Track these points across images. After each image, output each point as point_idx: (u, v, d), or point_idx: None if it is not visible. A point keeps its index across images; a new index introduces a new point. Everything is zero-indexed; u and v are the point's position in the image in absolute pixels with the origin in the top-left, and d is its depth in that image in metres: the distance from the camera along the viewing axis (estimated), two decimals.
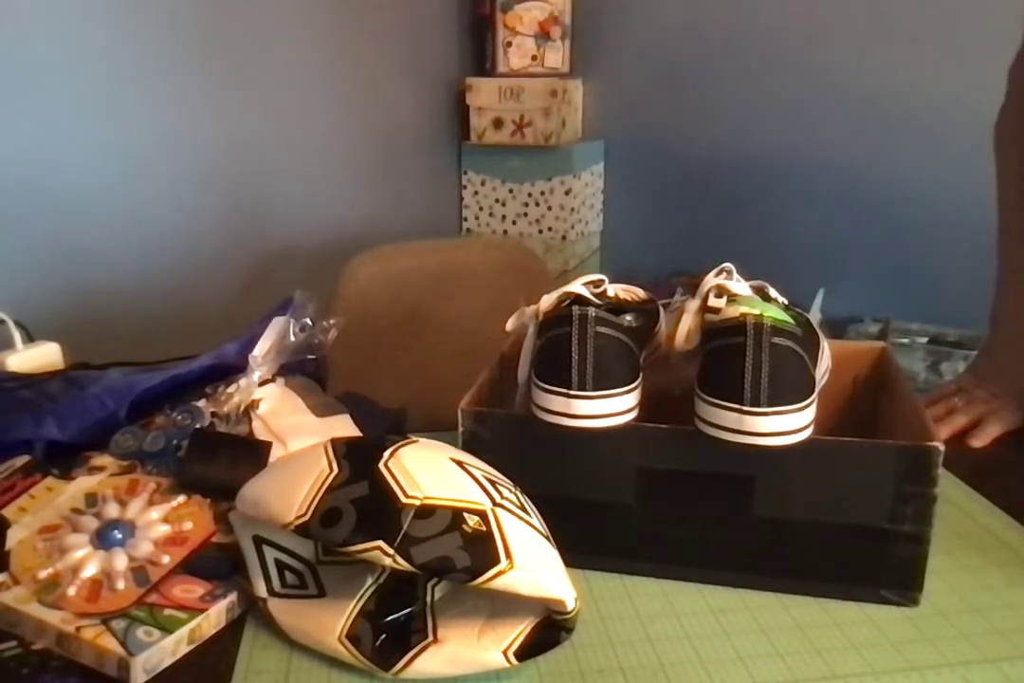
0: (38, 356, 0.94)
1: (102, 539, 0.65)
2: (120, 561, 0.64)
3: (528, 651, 0.58)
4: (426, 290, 1.54)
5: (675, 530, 0.69)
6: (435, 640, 0.59)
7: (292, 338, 0.81)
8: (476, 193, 2.57)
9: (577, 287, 0.70)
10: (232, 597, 0.64)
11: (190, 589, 0.64)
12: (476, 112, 2.47)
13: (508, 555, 0.54)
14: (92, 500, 0.70)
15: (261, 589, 0.64)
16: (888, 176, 2.25)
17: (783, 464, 0.64)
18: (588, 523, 0.70)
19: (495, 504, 0.57)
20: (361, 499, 0.56)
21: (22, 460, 0.76)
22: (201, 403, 0.78)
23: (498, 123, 2.46)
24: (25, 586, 0.63)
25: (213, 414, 0.77)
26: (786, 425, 0.60)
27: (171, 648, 0.59)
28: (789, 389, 0.60)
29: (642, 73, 2.51)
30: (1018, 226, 1.00)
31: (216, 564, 0.66)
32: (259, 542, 0.63)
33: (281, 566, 0.64)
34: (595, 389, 0.63)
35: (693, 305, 0.68)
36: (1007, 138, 1.02)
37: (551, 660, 0.60)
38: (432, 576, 0.62)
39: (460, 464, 0.60)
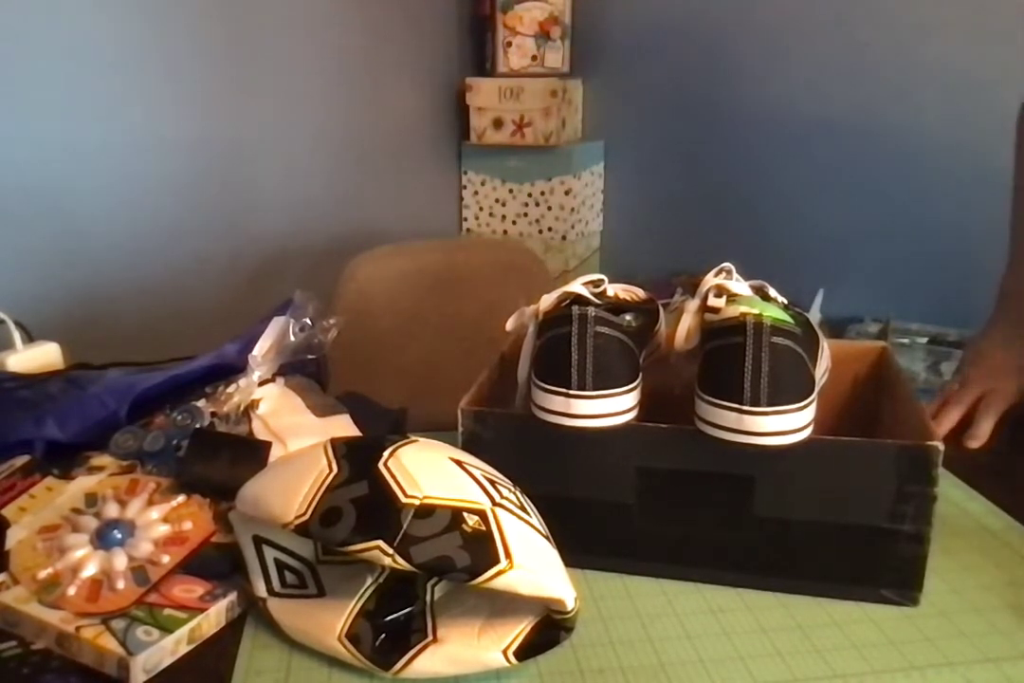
0: (38, 356, 0.94)
1: (102, 539, 0.66)
2: (120, 561, 0.64)
3: (528, 651, 0.58)
4: (426, 290, 1.54)
5: (675, 530, 0.69)
6: (435, 640, 0.59)
7: (292, 338, 0.81)
8: (476, 193, 2.57)
9: (577, 287, 0.70)
10: (232, 597, 0.64)
11: (190, 589, 0.64)
12: (476, 112, 2.47)
13: (508, 555, 0.54)
14: (92, 500, 0.70)
15: (261, 589, 0.64)
16: (889, 177, 2.25)
17: (783, 464, 0.64)
18: (588, 523, 0.70)
19: (495, 504, 0.57)
20: (361, 499, 0.56)
21: (22, 460, 0.76)
22: (201, 403, 0.78)
23: (498, 123, 2.46)
24: (25, 586, 0.63)
25: (213, 414, 0.77)
26: (786, 425, 0.60)
27: (171, 648, 0.59)
28: (789, 389, 0.60)
29: (642, 73, 2.50)
30: None
31: (216, 564, 0.66)
32: (259, 542, 0.63)
33: (281, 566, 0.64)
34: (595, 389, 0.63)
35: (693, 305, 0.68)
36: None
37: (551, 660, 0.60)
38: (432, 576, 0.62)
39: (460, 464, 0.60)
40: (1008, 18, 2.01)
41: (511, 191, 2.52)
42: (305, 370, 0.86)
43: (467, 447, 0.69)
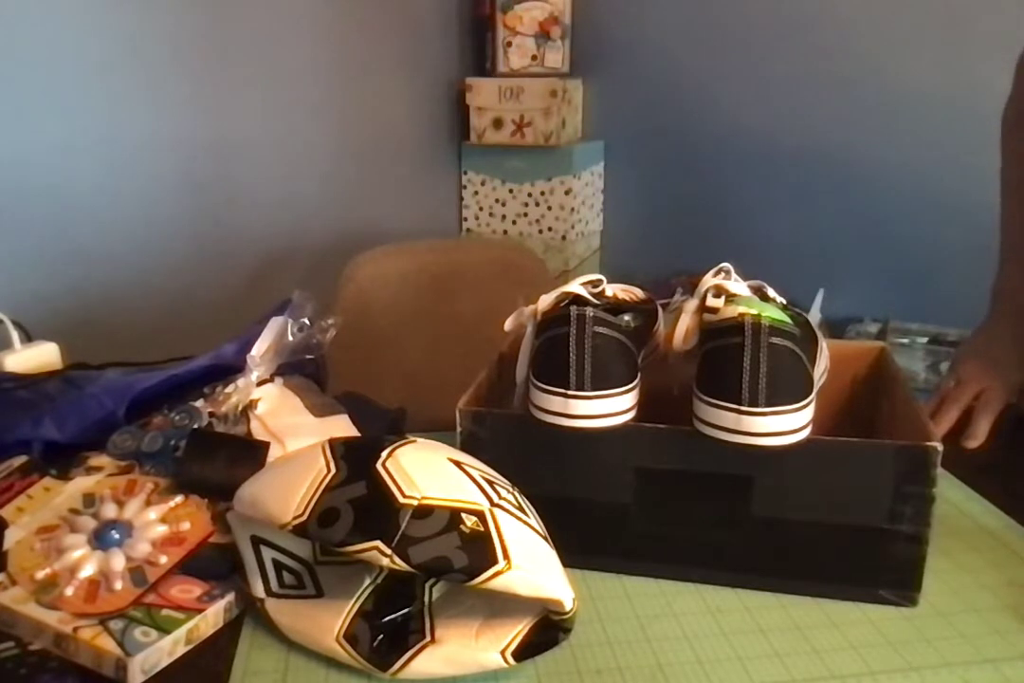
0: (36, 356, 0.94)
1: (100, 539, 0.65)
2: (118, 561, 0.64)
3: (526, 651, 0.58)
4: (426, 290, 1.54)
5: (673, 530, 0.69)
6: (433, 640, 0.59)
7: (290, 338, 0.81)
8: (476, 193, 2.56)
9: (575, 287, 0.70)
10: (230, 597, 0.64)
11: (188, 589, 0.64)
12: (476, 112, 2.47)
13: (506, 555, 0.54)
14: (90, 500, 0.70)
15: (259, 589, 0.63)
16: (889, 176, 2.25)
17: (781, 464, 0.64)
18: (586, 523, 0.70)
19: (493, 504, 0.57)
20: (359, 499, 0.56)
21: (20, 460, 0.76)
22: (199, 403, 0.78)
23: (498, 123, 2.46)
24: (23, 586, 0.63)
25: (211, 414, 0.77)
26: (784, 425, 0.60)
27: (168, 648, 0.59)
28: (787, 389, 0.60)
29: (642, 73, 2.50)
30: (1019, 208, 1.01)
31: (214, 564, 0.66)
32: (257, 542, 0.63)
33: (279, 566, 0.64)
34: (593, 389, 0.63)
35: (691, 305, 0.68)
36: (1013, 125, 1.03)
37: (549, 660, 0.60)
38: (430, 576, 0.62)
39: (458, 464, 0.60)
40: (983, 39, 2.04)
41: (511, 191, 2.52)
42: (304, 370, 0.86)
43: (465, 447, 0.69)
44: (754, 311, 0.61)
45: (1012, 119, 1.04)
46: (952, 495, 0.82)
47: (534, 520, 0.60)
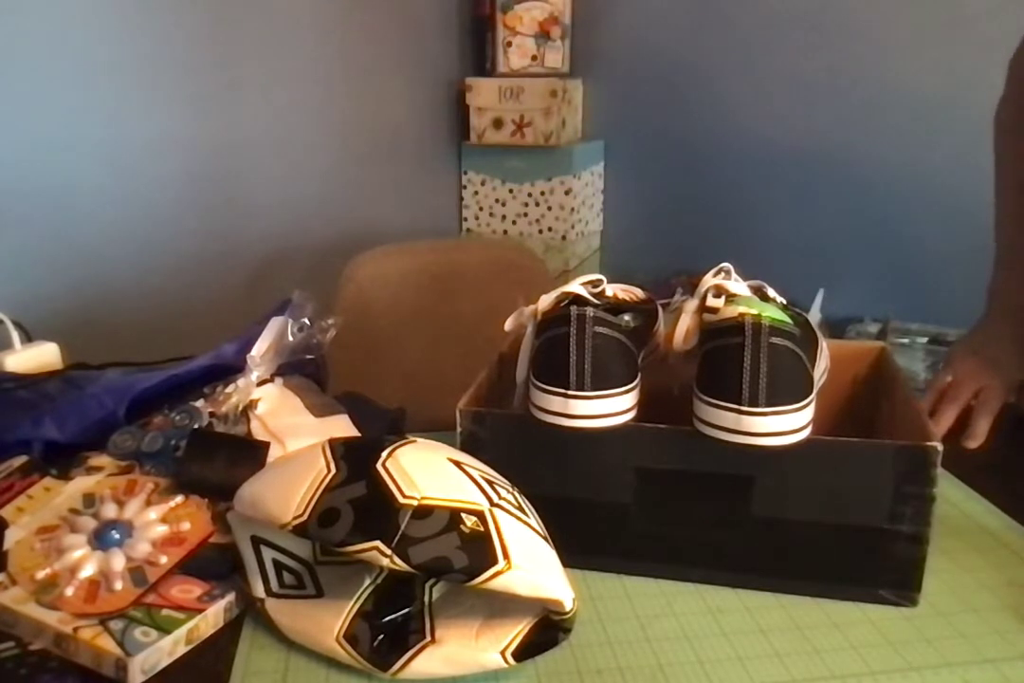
0: (37, 356, 0.94)
1: (100, 539, 0.65)
2: (118, 561, 0.64)
3: (526, 651, 0.58)
4: (426, 290, 1.54)
5: (673, 530, 0.69)
6: (433, 640, 0.59)
7: (290, 338, 0.81)
8: (476, 193, 2.56)
9: (576, 287, 0.70)
10: (230, 597, 0.64)
11: (188, 589, 0.64)
12: (476, 112, 2.47)
13: (506, 555, 0.54)
14: (90, 500, 0.70)
15: (259, 589, 0.64)
16: (889, 176, 2.25)
17: (781, 464, 0.64)
18: (586, 523, 0.70)
19: (493, 504, 0.57)
20: (359, 499, 0.56)
21: (20, 460, 0.76)
22: (199, 403, 0.78)
23: (498, 123, 2.46)
24: (23, 586, 0.63)
25: (211, 414, 0.77)
26: (784, 425, 0.60)
27: (169, 648, 0.59)
28: (787, 389, 0.60)
29: (642, 73, 2.50)
30: (1014, 208, 1.01)
31: (214, 564, 0.66)
32: (257, 542, 0.63)
33: (279, 566, 0.64)
34: (593, 389, 0.63)
35: (691, 305, 0.68)
36: (1006, 126, 1.03)
37: (549, 660, 0.60)
38: (430, 576, 0.62)
39: (458, 464, 0.60)
40: (983, 39, 2.04)
41: (511, 191, 2.51)
42: (304, 370, 0.86)
43: (465, 447, 0.69)
44: (754, 311, 0.61)
45: (1006, 120, 1.04)
46: (952, 495, 0.82)
47: (534, 520, 0.60)
